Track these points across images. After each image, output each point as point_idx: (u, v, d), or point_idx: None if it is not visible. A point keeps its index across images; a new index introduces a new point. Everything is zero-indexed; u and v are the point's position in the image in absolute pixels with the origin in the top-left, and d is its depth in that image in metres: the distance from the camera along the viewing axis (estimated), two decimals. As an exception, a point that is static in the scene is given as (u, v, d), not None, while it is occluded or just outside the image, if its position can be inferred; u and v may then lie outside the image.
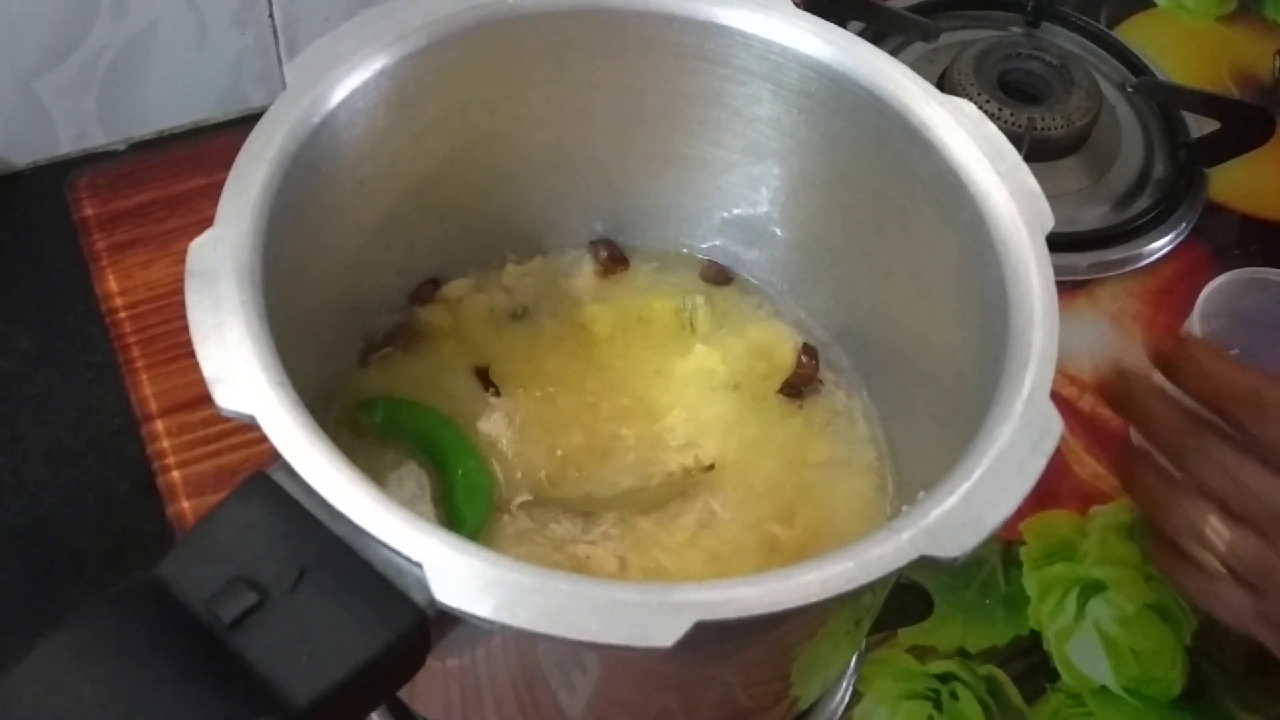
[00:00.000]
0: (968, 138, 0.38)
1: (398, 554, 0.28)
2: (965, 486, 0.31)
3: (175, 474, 0.52)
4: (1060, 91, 0.66)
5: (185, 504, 0.51)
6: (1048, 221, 0.37)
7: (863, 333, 0.46)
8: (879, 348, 0.45)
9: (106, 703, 0.26)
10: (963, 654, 0.51)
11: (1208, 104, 0.68)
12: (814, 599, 0.29)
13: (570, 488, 0.43)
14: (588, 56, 0.42)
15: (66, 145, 0.69)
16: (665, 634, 0.28)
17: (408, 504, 0.41)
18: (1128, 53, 0.72)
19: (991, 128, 0.39)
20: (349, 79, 0.37)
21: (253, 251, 0.32)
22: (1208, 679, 0.52)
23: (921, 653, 0.51)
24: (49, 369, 0.62)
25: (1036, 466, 0.32)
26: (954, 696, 0.50)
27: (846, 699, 0.49)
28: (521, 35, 0.40)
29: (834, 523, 0.44)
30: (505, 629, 0.28)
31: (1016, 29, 0.73)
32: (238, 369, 0.31)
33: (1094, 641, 0.52)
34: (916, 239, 0.41)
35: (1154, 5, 0.77)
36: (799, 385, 0.46)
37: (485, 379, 0.46)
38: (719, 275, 0.49)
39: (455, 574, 0.28)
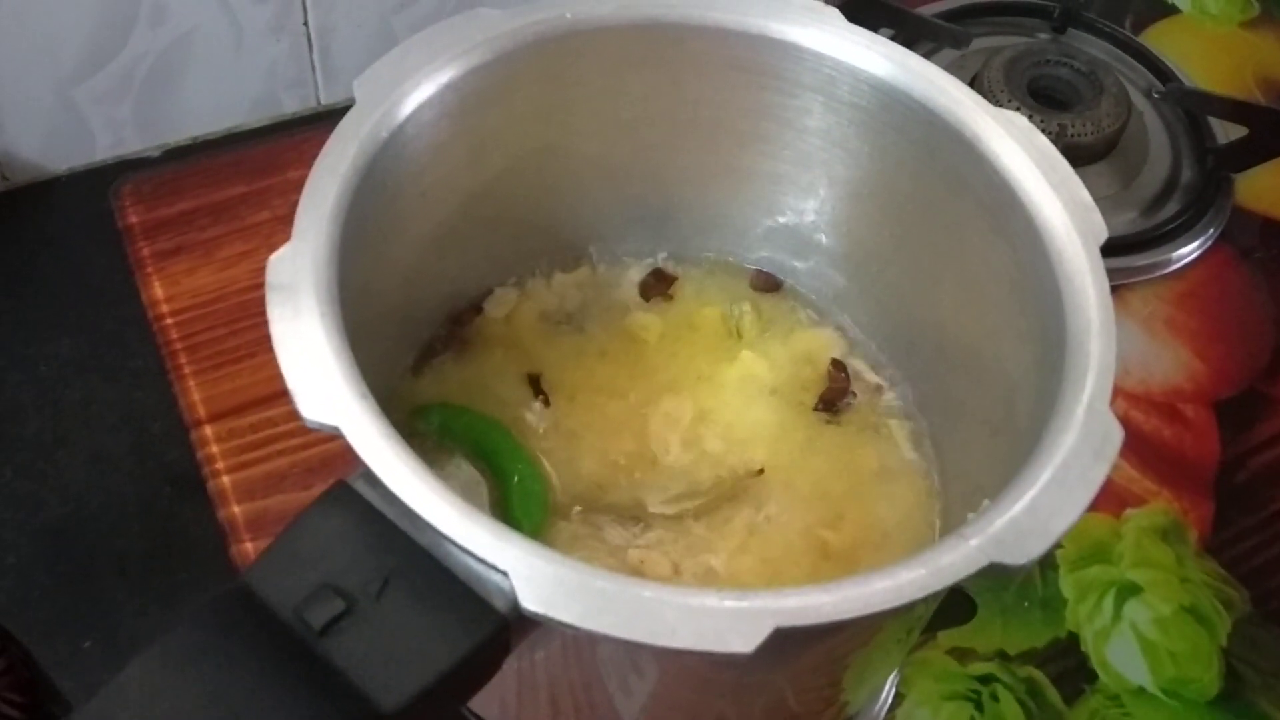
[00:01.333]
0: (1019, 149, 0.39)
1: (483, 562, 0.29)
2: (1031, 495, 0.32)
3: (225, 479, 0.52)
4: (1089, 98, 0.67)
5: (235, 508, 0.52)
6: (1101, 233, 0.37)
7: (911, 340, 0.46)
8: (927, 355, 0.46)
9: (206, 706, 0.27)
10: (1002, 656, 0.52)
11: (1235, 110, 0.68)
12: (890, 605, 0.29)
13: (621, 494, 0.44)
14: (641, 69, 0.42)
15: (103, 152, 0.70)
16: (745, 640, 0.28)
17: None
18: (1154, 59, 0.73)
19: (1043, 139, 0.39)
20: (415, 93, 0.38)
21: (329, 264, 0.33)
22: (1243, 680, 0.53)
23: (962, 654, 0.52)
24: (89, 374, 0.63)
25: (1100, 474, 0.32)
26: (994, 698, 0.51)
27: (889, 700, 0.50)
28: (579, 49, 0.41)
29: (881, 528, 0.44)
30: (590, 635, 0.28)
31: (1044, 35, 0.74)
32: (320, 380, 0.31)
33: (1131, 643, 0.53)
34: (968, 249, 0.41)
35: (1178, 11, 0.77)
36: (833, 400, 0.47)
37: (536, 386, 0.46)
38: (767, 283, 0.49)
39: (540, 581, 0.29)
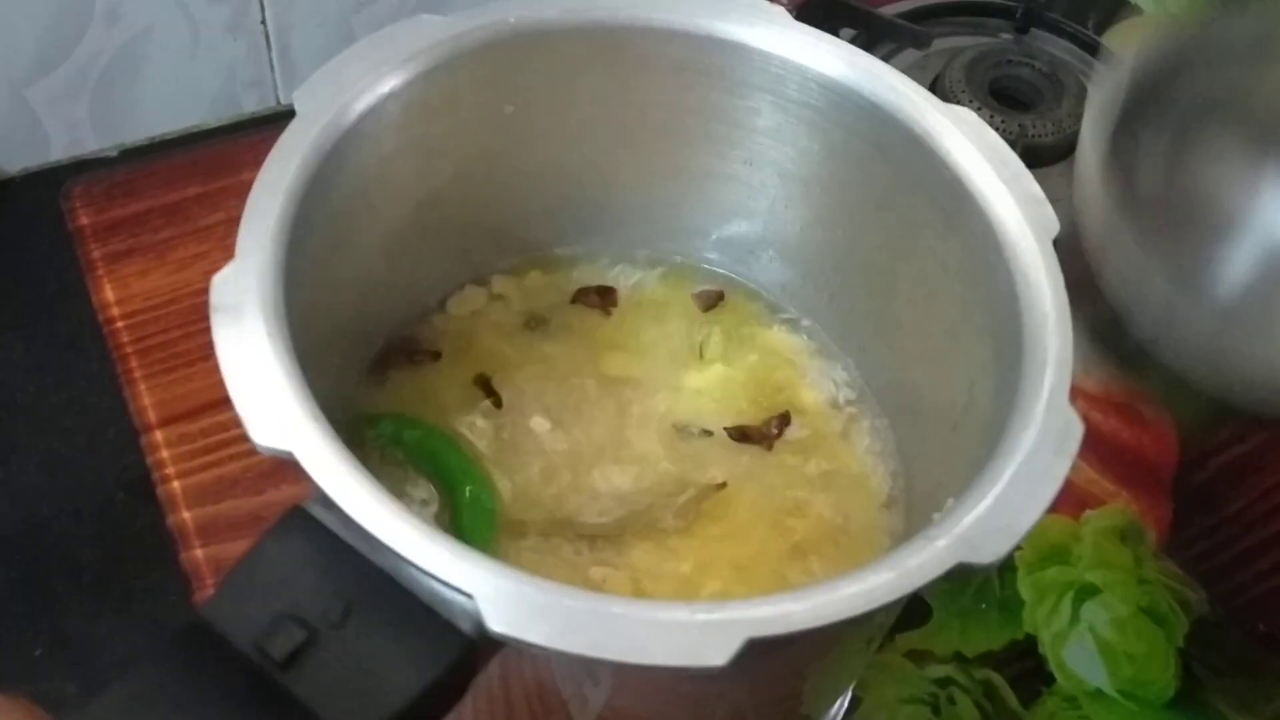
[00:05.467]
0: (970, 145, 0.39)
1: (446, 585, 0.28)
2: (994, 492, 0.32)
3: (175, 484, 0.52)
4: (1050, 98, 0.66)
5: (186, 514, 0.51)
6: (1053, 226, 0.37)
7: (867, 337, 0.46)
8: (884, 353, 0.46)
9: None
10: (959, 658, 0.52)
11: (1196, 111, 0.68)
12: (861, 610, 0.29)
13: (577, 508, 0.44)
14: (588, 73, 0.42)
15: (59, 152, 0.69)
16: (718, 653, 0.28)
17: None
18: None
19: (993, 135, 0.39)
20: (357, 104, 0.37)
21: (275, 283, 0.32)
22: (1201, 681, 0.53)
23: (919, 657, 0.52)
24: (43, 377, 0.62)
25: (1062, 469, 0.32)
26: (952, 701, 0.51)
27: (846, 705, 0.50)
28: (524, 53, 0.40)
29: (847, 530, 0.44)
30: (560, 654, 0.28)
31: (1006, 35, 0.73)
32: (270, 404, 0.30)
33: (1089, 645, 0.53)
34: (921, 245, 0.41)
35: (1141, 11, 0.77)
36: (776, 434, 0.46)
37: (486, 387, 0.46)
38: (709, 301, 0.49)
39: (506, 602, 0.28)
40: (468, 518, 0.42)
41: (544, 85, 0.42)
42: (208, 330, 0.57)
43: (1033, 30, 0.74)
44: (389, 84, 0.37)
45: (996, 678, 0.52)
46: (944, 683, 0.51)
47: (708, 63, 0.42)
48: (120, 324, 0.56)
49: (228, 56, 0.69)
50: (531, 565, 0.41)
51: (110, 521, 0.58)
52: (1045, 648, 0.53)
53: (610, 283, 0.49)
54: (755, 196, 0.46)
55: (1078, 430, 0.33)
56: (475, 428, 0.45)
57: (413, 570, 0.28)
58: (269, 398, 0.30)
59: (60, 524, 0.58)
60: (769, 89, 0.42)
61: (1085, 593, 0.54)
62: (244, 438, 0.52)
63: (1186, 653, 0.53)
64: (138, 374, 0.55)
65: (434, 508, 0.43)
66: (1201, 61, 0.46)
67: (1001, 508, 0.31)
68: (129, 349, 0.55)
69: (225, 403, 0.54)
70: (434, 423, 0.45)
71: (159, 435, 0.53)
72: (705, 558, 0.42)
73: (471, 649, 0.28)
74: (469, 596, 0.28)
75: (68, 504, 0.59)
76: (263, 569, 0.29)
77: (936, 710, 0.51)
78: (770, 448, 0.45)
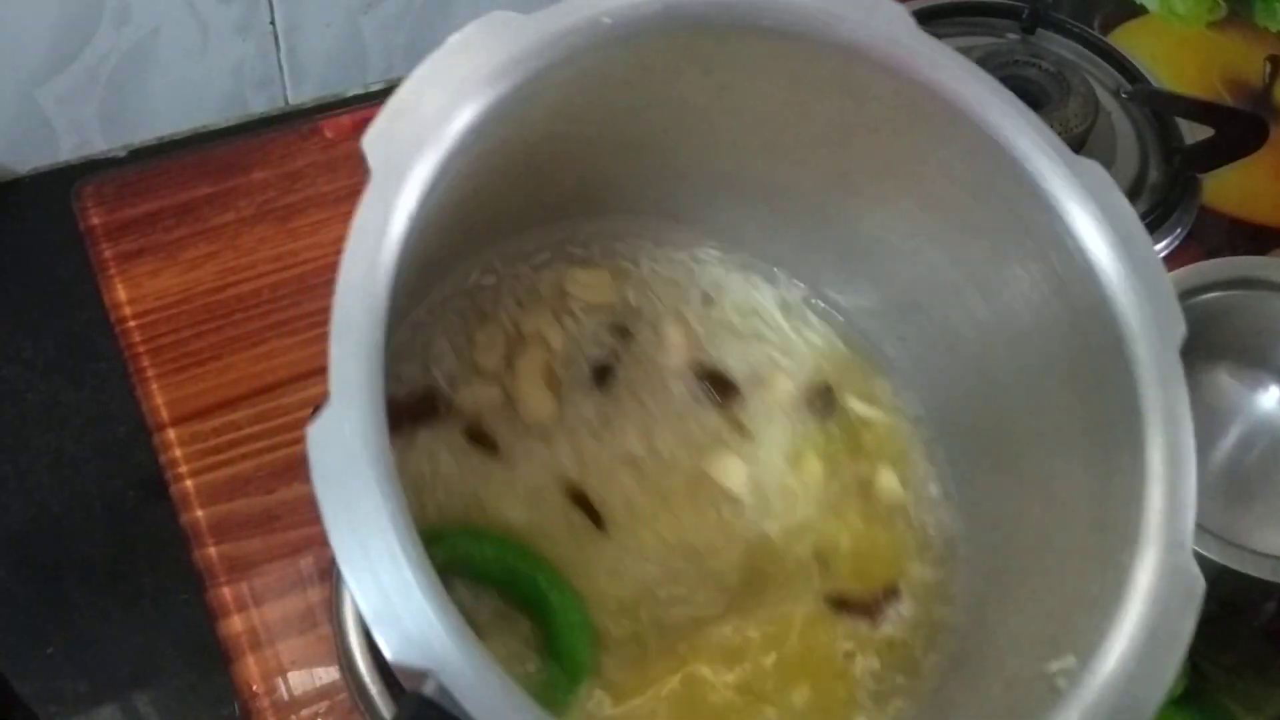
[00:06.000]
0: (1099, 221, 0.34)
1: None
2: (1126, 664, 0.29)
3: (188, 483, 0.52)
4: (1057, 99, 0.67)
5: (199, 512, 0.51)
6: (1180, 330, 0.33)
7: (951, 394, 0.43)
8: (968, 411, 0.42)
9: None
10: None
11: (1202, 111, 0.69)
12: None
13: (671, 599, 0.39)
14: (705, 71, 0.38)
15: (68, 152, 0.69)
16: None
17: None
18: (1122, 59, 0.73)
19: (1126, 205, 0.35)
20: (434, 158, 0.31)
21: (381, 432, 0.27)
22: (1208, 679, 0.53)
23: None
24: (53, 376, 0.62)
25: (1188, 631, 0.30)
26: (961, 698, 0.51)
27: None
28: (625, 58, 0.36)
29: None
30: None
31: (1012, 35, 0.74)
32: (403, 610, 0.26)
33: (1097, 642, 0.53)
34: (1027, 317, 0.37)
35: (1146, 12, 0.78)
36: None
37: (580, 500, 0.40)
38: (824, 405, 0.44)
39: None
40: (565, 640, 0.38)
41: (636, 90, 0.37)
42: (219, 330, 0.57)
43: (1039, 30, 0.74)
44: (466, 116, 0.32)
45: None
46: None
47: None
48: (132, 323, 0.56)
49: (236, 57, 0.69)
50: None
51: (120, 520, 0.59)
52: None
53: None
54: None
55: (1199, 585, 0.30)
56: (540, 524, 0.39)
57: None
58: (399, 602, 0.26)
59: (71, 522, 0.58)
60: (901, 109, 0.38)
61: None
62: (255, 437, 0.54)
63: (1194, 651, 0.53)
64: (150, 373, 0.55)
65: (522, 629, 0.38)
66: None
67: (1133, 682, 0.29)
68: (141, 348, 0.55)
69: (237, 401, 0.55)
70: (503, 532, 0.39)
71: (171, 434, 0.53)
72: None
73: None
74: None
75: (78, 503, 0.59)
76: None
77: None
78: (874, 623, 0.40)
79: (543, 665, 0.38)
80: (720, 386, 0.43)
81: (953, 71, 0.36)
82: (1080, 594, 0.32)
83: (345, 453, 0.26)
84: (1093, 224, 0.34)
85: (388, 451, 0.27)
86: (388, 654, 0.25)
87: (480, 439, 0.40)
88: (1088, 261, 0.34)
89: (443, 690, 0.25)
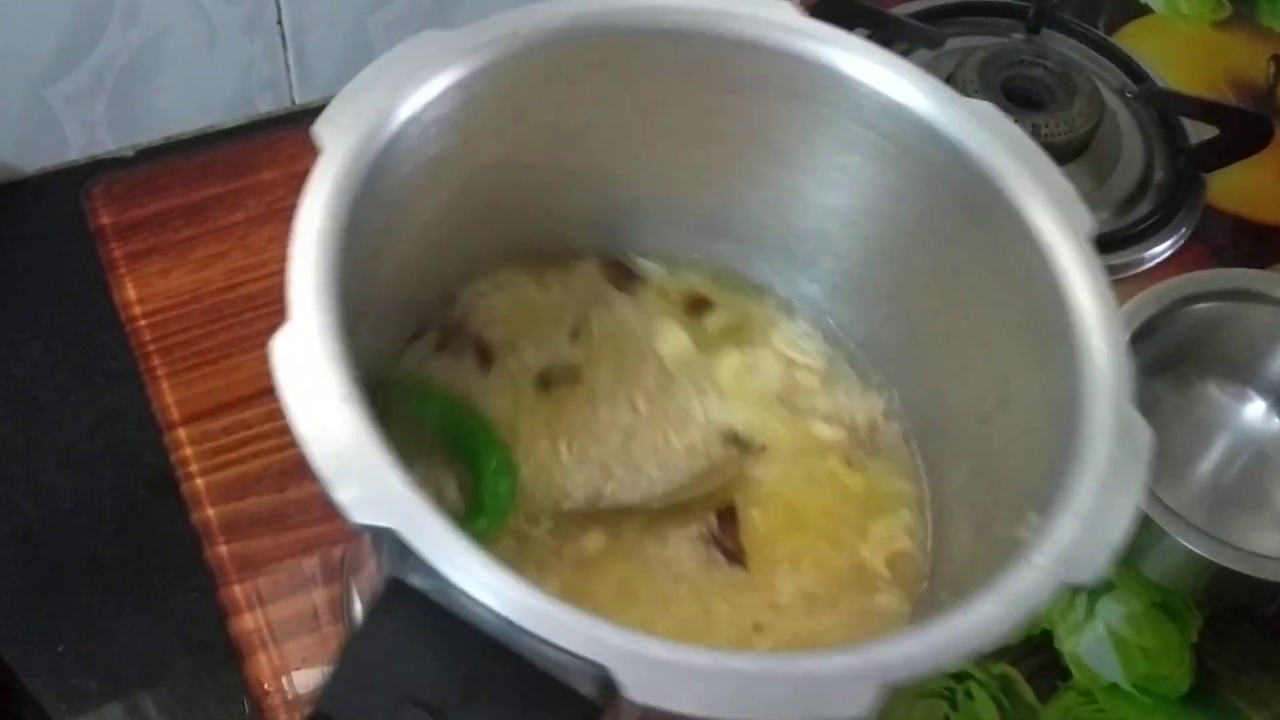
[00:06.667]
0: (995, 139, 0.39)
1: (578, 658, 0.27)
2: (1084, 507, 0.32)
3: (199, 481, 0.52)
4: (1063, 98, 0.67)
5: (210, 511, 0.52)
6: (1086, 224, 0.37)
7: (892, 335, 0.46)
8: (910, 352, 0.45)
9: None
10: (976, 653, 0.52)
11: (1207, 110, 0.69)
12: (983, 645, 0.29)
13: (602, 491, 0.43)
14: (602, 76, 0.41)
15: (76, 152, 0.69)
16: (854, 703, 0.28)
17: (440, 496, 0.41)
18: (1126, 59, 0.73)
19: (1016, 129, 0.39)
20: (379, 133, 0.36)
21: (336, 337, 0.31)
22: (1215, 676, 0.53)
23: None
24: (63, 375, 0.63)
25: (1139, 475, 0.32)
26: (969, 695, 0.51)
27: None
28: (540, 62, 0.40)
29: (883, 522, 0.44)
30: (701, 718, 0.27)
31: (1018, 35, 0.74)
32: (363, 477, 0.29)
33: (1104, 640, 0.53)
34: (948, 242, 0.41)
35: (1151, 12, 0.78)
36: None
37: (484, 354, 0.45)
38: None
39: (642, 671, 0.27)
40: (489, 497, 0.42)
41: (559, 92, 0.41)
42: (229, 329, 0.58)
43: (1044, 30, 0.74)
44: (407, 109, 0.37)
45: (1013, 672, 0.52)
46: (961, 677, 0.52)
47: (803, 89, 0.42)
48: (142, 322, 0.56)
49: (244, 57, 0.69)
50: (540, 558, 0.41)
51: (131, 519, 0.59)
52: (1061, 643, 0.53)
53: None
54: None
55: (1146, 433, 0.33)
56: (498, 407, 0.44)
57: (537, 643, 0.27)
58: (358, 470, 0.29)
59: (80, 521, 0.58)
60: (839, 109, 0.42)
61: (1100, 588, 0.55)
62: (266, 435, 0.54)
63: (1201, 648, 0.54)
64: (160, 372, 0.55)
65: (451, 489, 0.42)
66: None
67: (1092, 522, 0.31)
68: (151, 347, 0.56)
69: (248, 400, 0.55)
70: (460, 396, 0.44)
71: (182, 433, 0.53)
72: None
73: (596, 713, 0.28)
74: (603, 668, 0.27)
75: (88, 501, 0.59)
76: (372, 652, 0.28)
77: (954, 705, 0.51)
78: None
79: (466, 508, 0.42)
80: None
81: (842, 43, 0.41)
82: (1039, 464, 0.35)
83: (306, 353, 0.31)
84: (993, 148, 0.39)
85: (343, 351, 0.31)
86: (354, 518, 0.28)
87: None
88: (996, 187, 0.38)
89: (405, 547, 0.28)
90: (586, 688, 0.27)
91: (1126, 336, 0.36)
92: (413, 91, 0.37)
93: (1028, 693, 0.52)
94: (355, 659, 0.28)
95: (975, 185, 0.39)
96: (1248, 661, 0.54)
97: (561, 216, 0.46)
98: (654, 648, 0.28)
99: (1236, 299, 0.59)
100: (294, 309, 0.31)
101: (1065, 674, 0.53)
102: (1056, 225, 0.37)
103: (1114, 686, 0.52)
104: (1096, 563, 0.31)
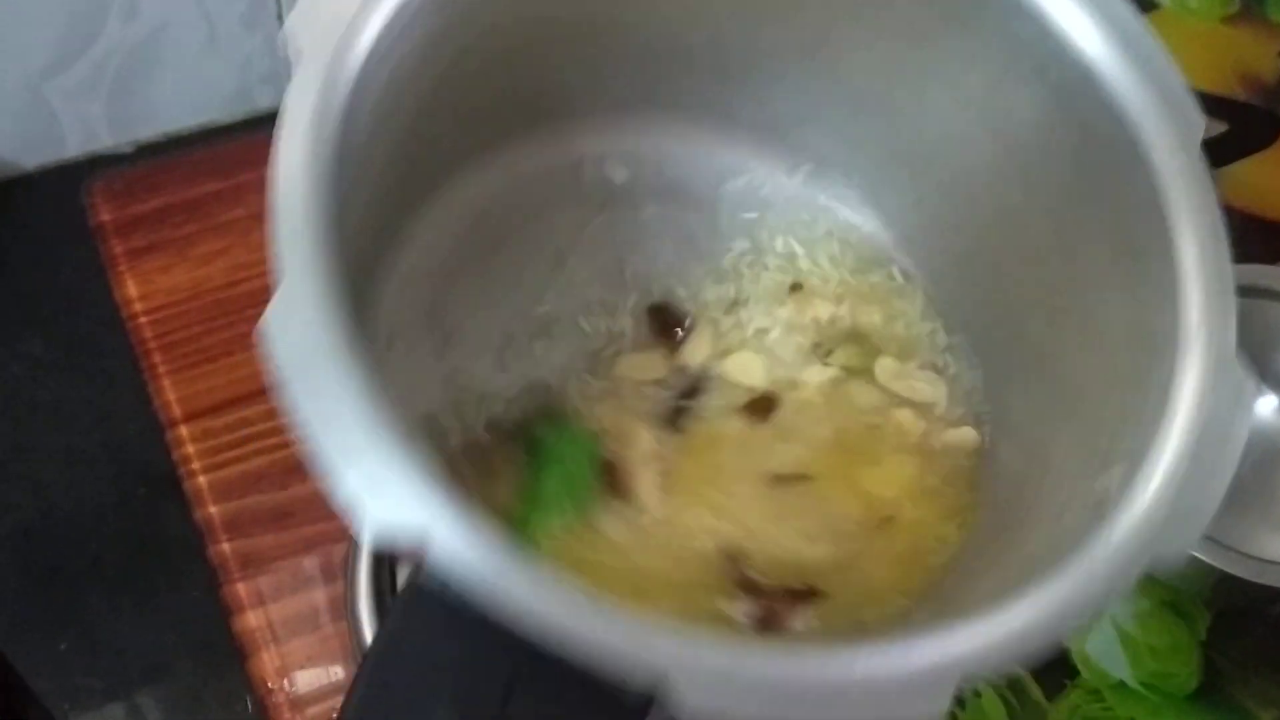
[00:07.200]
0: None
1: (632, 661, 0.24)
2: (1177, 467, 0.28)
3: (201, 479, 0.52)
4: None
5: (212, 509, 0.51)
6: (1198, 123, 0.33)
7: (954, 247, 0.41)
8: (976, 269, 0.40)
9: None
10: (984, 652, 0.52)
11: (1216, 106, 0.68)
12: (1060, 634, 0.26)
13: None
14: None
15: (74, 148, 0.69)
16: (933, 702, 0.25)
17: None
18: (1132, 53, 0.73)
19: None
20: (359, 39, 0.29)
21: (339, 296, 0.25)
22: (1223, 674, 0.53)
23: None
24: (62, 374, 0.63)
25: (1243, 429, 0.28)
26: (976, 693, 0.51)
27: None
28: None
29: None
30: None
31: (1022, 30, 0.73)
32: (381, 477, 0.24)
33: (1111, 638, 0.53)
34: (1026, 135, 0.36)
35: (1158, 6, 0.78)
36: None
37: None
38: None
39: (704, 677, 0.24)
40: (552, 487, 0.36)
41: None
42: (230, 326, 0.57)
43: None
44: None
45: (1021, 670, 0.52)
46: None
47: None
48: (143, 319, 0.56)
49: (243, 52, 0.69)
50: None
51: (131, 518, 0.59)
52: (1068, 640, 0.53)
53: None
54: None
55: (1250, 387, 0.29)
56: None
57: (585, 645, 0.24)
58: (372, 467, 0.24)
59: (82, 520, 0.59)
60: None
61: (1108, 586, 0.54)
62: (268, 433, 0.54)
63: (1209, 645, 0.53)
64: (161, 369, 0.55)
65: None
66: None
67: (1185, 484, 0.28)
68: (152, 344, 0.55)
69: (249, 398, 0.55)
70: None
71: (184, 430, 0.53)
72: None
73: (642, 713, 0.26)
74: (657, 671, 0.24)
75: (89, 500, 0.59)
76: (403, 653, 0.26)
77: (961, 703, 0.51)
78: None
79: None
80: None
81: None
82: (1125, 409, 0.31)
83: (304, 332, 0.25)
84: (1091, 29, 0.33)
85: (349, 325, 0.25)
86: (371, 531, 0.24)
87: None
88: (1088, 69, 0.32)
89: (434, 548, 0.24)
90: (635, 689, 0.25)
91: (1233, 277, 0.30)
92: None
93: (1035, 690, 0.52)
94: (382, 673, 0.26)
95: (1083, 84, 0.33)
96: (1256, 660, 0.53)
97: (589, 65, 0.39)
98: (711, 648, 0.25)
99: (1248, 295, 0.58)
100: (284, 269, 0.25)
101: (1073, 672, 0.52)
102: (1160, 130, 0.32)
103: (1122, 684, 0.52)
104: (1189, 533, 0.27)
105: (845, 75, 0.40)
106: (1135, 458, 0.28)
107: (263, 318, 0.25)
